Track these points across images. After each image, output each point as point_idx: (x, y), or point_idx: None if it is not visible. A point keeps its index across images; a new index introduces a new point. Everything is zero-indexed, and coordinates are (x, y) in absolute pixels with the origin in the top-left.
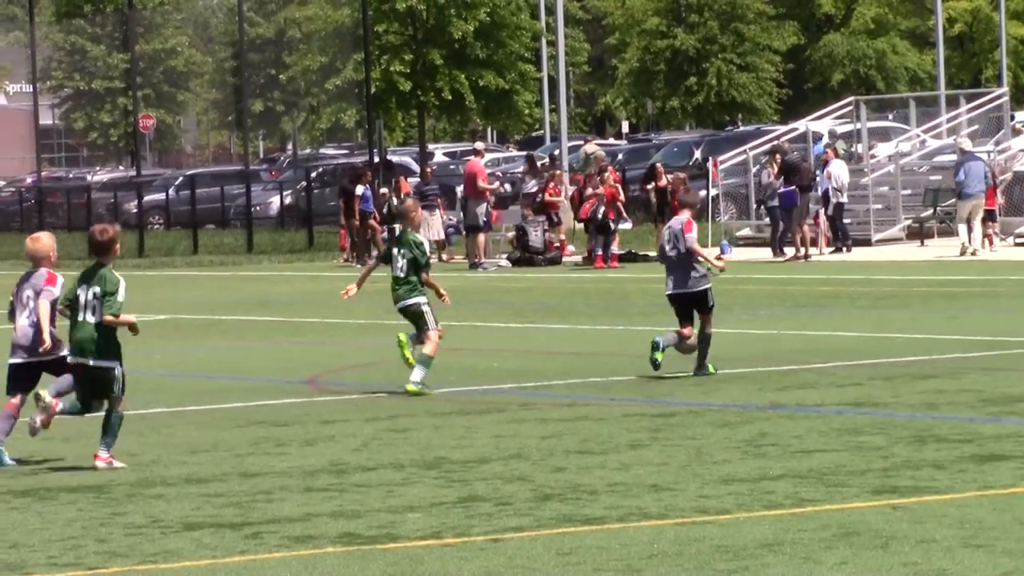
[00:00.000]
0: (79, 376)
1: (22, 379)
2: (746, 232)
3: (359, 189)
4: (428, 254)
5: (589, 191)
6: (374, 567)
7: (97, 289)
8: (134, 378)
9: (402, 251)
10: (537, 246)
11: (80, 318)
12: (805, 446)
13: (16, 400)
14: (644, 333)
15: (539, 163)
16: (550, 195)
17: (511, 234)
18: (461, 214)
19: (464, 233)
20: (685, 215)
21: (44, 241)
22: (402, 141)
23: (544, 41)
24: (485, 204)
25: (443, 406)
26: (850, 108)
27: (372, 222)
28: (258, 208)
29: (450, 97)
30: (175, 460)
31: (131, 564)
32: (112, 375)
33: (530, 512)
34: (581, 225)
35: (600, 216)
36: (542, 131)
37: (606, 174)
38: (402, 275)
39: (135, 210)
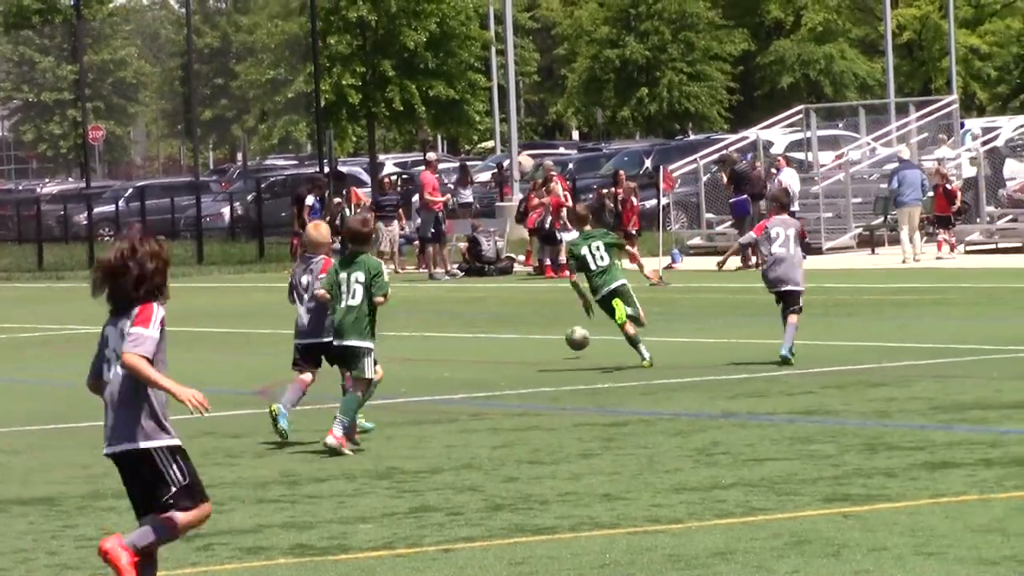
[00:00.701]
0: (333, 354)
1: (308, 359)
2: (697, 241)
3: (309, 199)
4: (618, 238)
5: (536, 201)
6: None
7: (360, 275)
8: (86, 391)
9: (595, 245)
10: (489, 256)
11: (342, 304)
12: (757, 454)
13: (306, 377)
14: (593, 343)
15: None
16: (532, 205)
17: (463, 244)
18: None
19: (415, 243)
20: (791, 218)
21: (323, 230)
22: (352, 151)
23: (494, 51)
24: (435, 215)
25: (394, 416)
26: (800, 116)
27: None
28: (208, 219)
29: (401, 108)
30: None
31: None
32: (364, 354)
33: (481, 522)
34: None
35: (547, 226)
36: (492, 141)
37: (552, 183)
38: (603, 265)
39: (85, 222)
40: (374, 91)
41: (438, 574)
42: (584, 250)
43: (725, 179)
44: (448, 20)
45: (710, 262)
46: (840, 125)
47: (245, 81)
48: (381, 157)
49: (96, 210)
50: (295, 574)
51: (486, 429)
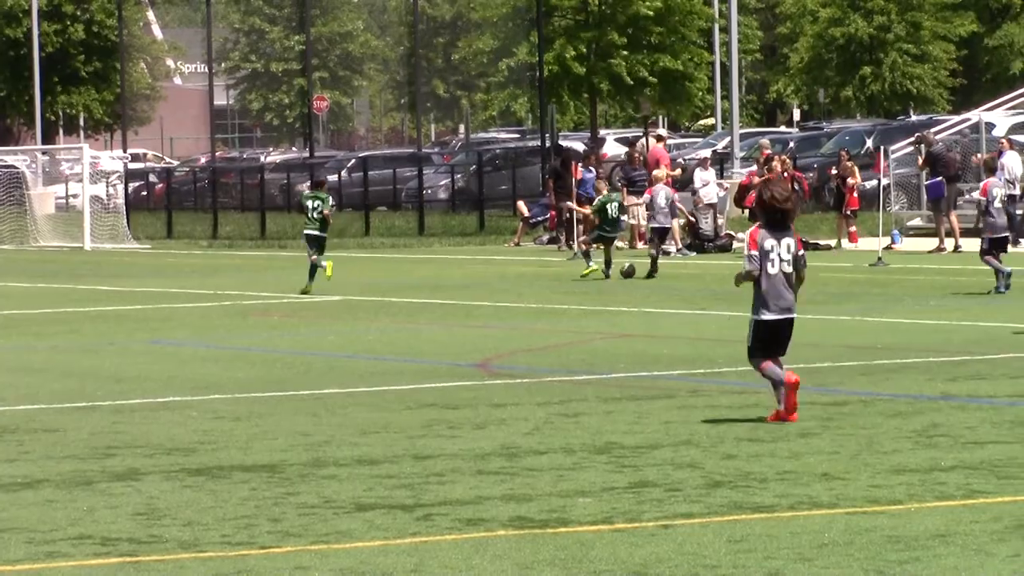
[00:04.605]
0: None
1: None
2: (916, 222)
3: (580, 172)
4: None
5: (755, 180)
6: (545, 551)
7: None
8: (306, 359)
9: None
10: (707, 233)
11: None
12: (977, 437)
13: None
14: (813, 321)
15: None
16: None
17: (682, 221)
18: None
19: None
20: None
21: None
22: (573, 126)
23: (717, 28)
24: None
25: (614, 391)
26: None
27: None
28: (429, 191)
29: (631, 82)
30: (347, 441)
31: (304, 544)
32: None
33: (700, 499)
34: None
35: None
36: (713, 119)
37: (773, 163)
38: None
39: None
40: (597, 63)
41: (657, 550)
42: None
43: (920, 160)
44: None
45: (929, 243)
46: None
47: (467, 52)
48: (602, 132)
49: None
50: (514, 546)
51: (704, 406)
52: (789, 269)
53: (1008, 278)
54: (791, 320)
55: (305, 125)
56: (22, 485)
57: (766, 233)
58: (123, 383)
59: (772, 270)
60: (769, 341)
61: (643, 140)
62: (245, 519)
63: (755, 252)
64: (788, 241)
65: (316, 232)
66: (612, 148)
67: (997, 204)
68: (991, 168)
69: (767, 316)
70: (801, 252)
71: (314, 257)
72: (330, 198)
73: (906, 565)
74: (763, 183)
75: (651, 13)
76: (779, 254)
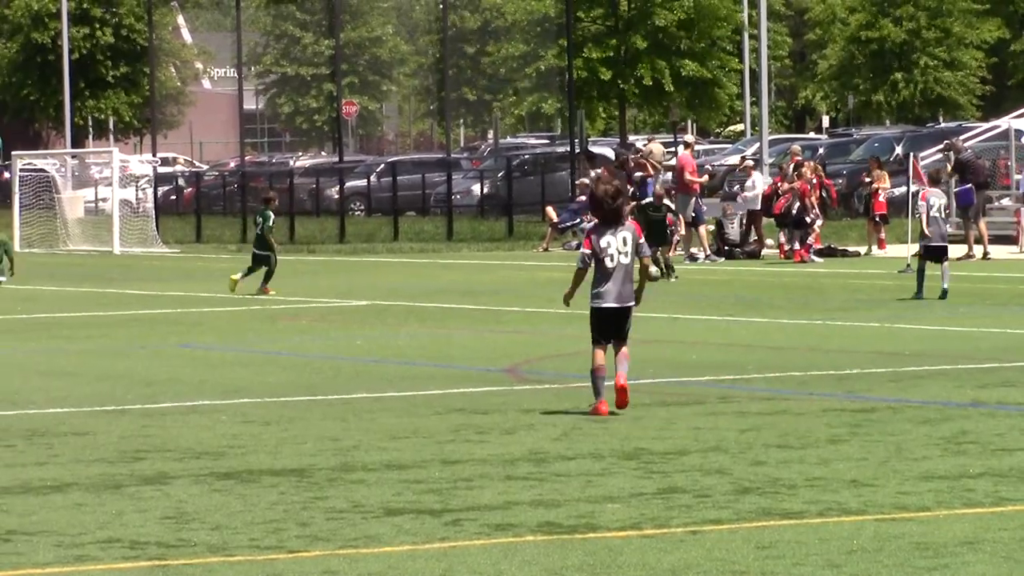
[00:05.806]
0: None
1: None
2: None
3: (637, 175)
4: None
5: (785, 187)
6: (573, 556)
7: None
8: (335, 363)
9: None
10: (733, 239)
11: None
12: (1006, 444)
13: None
14: (842, 328)
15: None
16: (782, 191)
17: (711, 227)
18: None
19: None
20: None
21: None
22: (603, 131)
23: (746, 34)
24: (694, 197)
25: (642, 397)
26: None
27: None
28: (458, 196)
29: (650, 84)
30: (376, 446)
31: (332, 548)
32: None
33: (729, 505)
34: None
35: (795, 211)
36: (742, 124)
37: (802, 169)
38: None
39: (337, 196)
40: (624, 69)
41: (686, 556)
42: None
43: (949, 167)
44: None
45: (958, 250)
46: None
47: (497, 58)
48: (631, 138)
49: (348, 184)
50: (543, 552)
51: (733, 412)
52: (628, 260)
53: (920, 290)
54: (626, 309)
55: (334, 129)
56: (52, 488)
57: (601, 231)
58: (153, 387)
59: (610, 264)
60: (604, 329)
61: (648, 145)
62: (274, 523)
63: (588, 251)
64: (624, 234)
65: (265, 252)
66: None
67: (934, 214)
68: (935, 179)
69: (602, 304)
70: (641, 240)
71: (246, 274)
72: (272, 216)
73: (935, 572)
74: (594, 180)
75: (676, 18)
76: (616, 248)
